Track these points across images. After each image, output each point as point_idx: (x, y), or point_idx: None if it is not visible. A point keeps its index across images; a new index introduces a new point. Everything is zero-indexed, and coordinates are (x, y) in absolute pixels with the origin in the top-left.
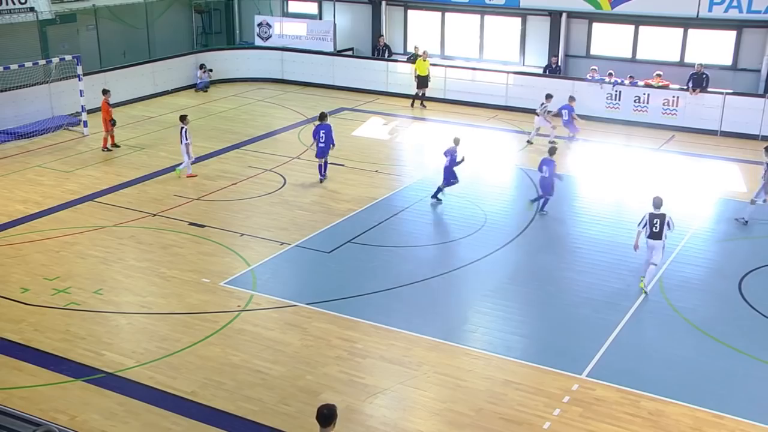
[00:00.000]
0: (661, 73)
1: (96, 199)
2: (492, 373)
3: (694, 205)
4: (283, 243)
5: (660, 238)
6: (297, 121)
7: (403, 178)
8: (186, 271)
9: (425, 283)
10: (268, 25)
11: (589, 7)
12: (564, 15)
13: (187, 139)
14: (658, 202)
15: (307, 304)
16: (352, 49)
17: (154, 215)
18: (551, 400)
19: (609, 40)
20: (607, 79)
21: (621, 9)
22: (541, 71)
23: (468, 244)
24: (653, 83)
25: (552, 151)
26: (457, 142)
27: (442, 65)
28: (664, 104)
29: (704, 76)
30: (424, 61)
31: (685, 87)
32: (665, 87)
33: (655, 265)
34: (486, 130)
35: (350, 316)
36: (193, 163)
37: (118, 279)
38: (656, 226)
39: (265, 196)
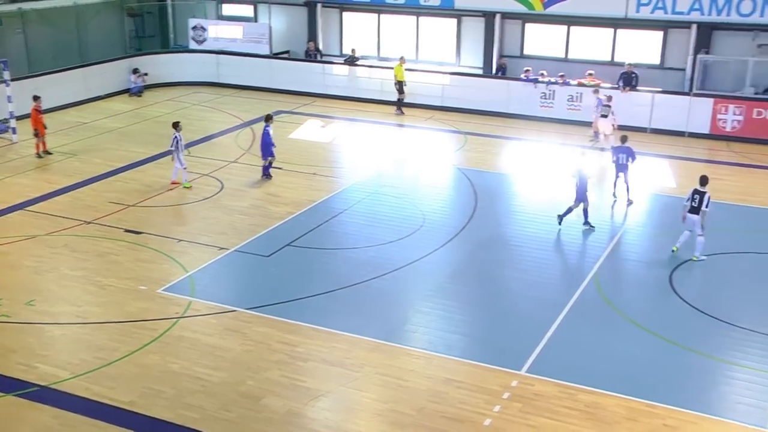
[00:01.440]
0: (593, 72)
1: (27, 208)
2: (433, 372)
3: (627, 200)
4: (221, 248)
5: (698, 213)
6: (234, 124)
7: (341, 180)
8: (123, 279)
9: (365, 285)
10: (203, 29)
11: (522, 8)
12: (498, 16)
13: (172, 146)
14: (704, 180)
15: (247, 308)
16: (288, 51)
17: (89, 223)
18: (492, 397)
19: (542, 40)
20: (540, 79)
21: (553, 9)
22: (476, 72)
23: (407, 245)
24: (586, 82)
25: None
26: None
27: (379, 67)
28: (594, 104)
29: (633, 75)
30: (401, 66)
31: (616, 85)
32: (597, 86)
33: (701, 235)
34: (423, 130)
35: (291, 319)
36: (184, 170)
37: (52, 289)
38: (695, 201)
39: (202, 200)
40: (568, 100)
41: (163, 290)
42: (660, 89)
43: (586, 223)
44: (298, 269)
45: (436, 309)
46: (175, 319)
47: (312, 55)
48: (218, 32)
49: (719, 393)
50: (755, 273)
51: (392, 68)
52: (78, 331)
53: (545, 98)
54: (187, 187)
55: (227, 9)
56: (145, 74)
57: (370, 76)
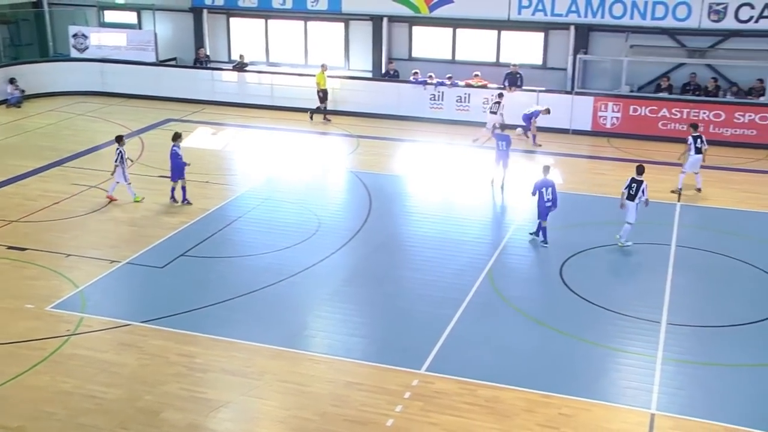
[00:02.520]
0: (479, 73)
1: None
2: (334, 376)
3: (516, 197)
4: (113, 261)
5: (634, 200)
6: (122, 134)
7: (234, 188)
8: (7, 298)
9: (263, 292)
10: (84, 36)
11: (408, 12)
12: (385, 19)
13: (116, 161)
14: (640, 169)
15: (142, 322)
16: (175, 58)
17: None
18: (393, 397)
19: (429, 42)
20: (429, 81)
21: (439, 12)
22: (366, 75)
23: (304, 250)
24: (473, 83)
25: (547, 170)
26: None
27: (268, 72)
28: (484, 103)
29: (518, 75)
30: (323, 73)
31: (502, 86)
32: (484, 86)
33: (630, 224)
34: (315, 135)
35: (188, 330)
36: (129, 185)
37: None
38: (632, 189)
39: (91, 213)
40: (456, 101)
41: (51, 308)
42: (544, 88)
43: (544, 241)
44: (194, 279)
45: (334, 313)
46: (66, 337)
47: (202, 62)
48: (101, 40)
49: (609, 379)
50: (639, 263)
51: (313, 76)
52: None
53: (434, 100)
54: (138, 201)
55: (109, 16)
56: (23, 91)
57: (259, 81)
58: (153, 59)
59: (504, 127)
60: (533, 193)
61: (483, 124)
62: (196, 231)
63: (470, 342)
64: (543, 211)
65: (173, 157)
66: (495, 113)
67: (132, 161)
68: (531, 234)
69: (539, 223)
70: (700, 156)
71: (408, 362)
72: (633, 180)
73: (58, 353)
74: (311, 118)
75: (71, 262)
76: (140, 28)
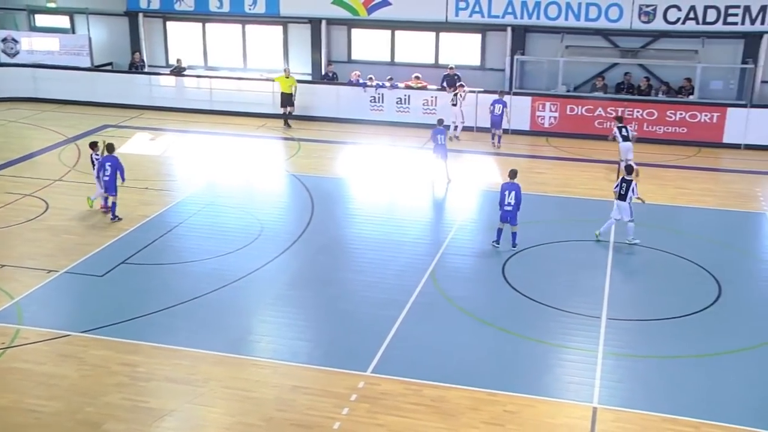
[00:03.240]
0: (420, 75)
1: None
2: (280, 380)
3: (458, 197)
4: (50, 270)
5: (625, 200)
6: (57, 141)
7: (174, 194)
8: None
9: (206, 298)
10: (14, 41)
11: (346, 14)
12: (324, 22)
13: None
14: (629, 170)
15: (82, 332)
16: (111, 63)
17: None
18: (339, 400)
19: (368, 44)
20: (369, 83)
21: (377, 15)
22: (306, 78)
23: (246, 255)
24: (413, 85)
25: (513, 174)
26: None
27: (207, 76)
28: (424, 104)
29: (456, 76)
30: (287, 78)
31: (441, 87)
32: (424, 88)
33: (617, 220)
34: (255, 138)
35: (130, 339)
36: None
37: None
38: (623, 189)
39: (26, 222)
40: (396, 103)
41: None
42: (482, 89)
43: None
44: (136, 287)
45: (278, 317)
46: (2, 351)
47: (138, 66)
48: (32, 44)
49: (552, 375)
50: (577, 260)
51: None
52: None
53: (375, 102)
54: (90, 205)
55: (41, 20)
56: None
57: (198, 86)
58: (88, 64)
59: (441, 121)
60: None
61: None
62: (137, 238)
63: (415, 342)
64: (503, 215)
65: (116, 168)
66: (455, 105)
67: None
68: (493, 243)
69: (498, 230)
70: (629, 143)
71: (353, 364)
72: (623, 180)
73: None
74: (288, 125)
75: (6, 272)
76: (73, 32)
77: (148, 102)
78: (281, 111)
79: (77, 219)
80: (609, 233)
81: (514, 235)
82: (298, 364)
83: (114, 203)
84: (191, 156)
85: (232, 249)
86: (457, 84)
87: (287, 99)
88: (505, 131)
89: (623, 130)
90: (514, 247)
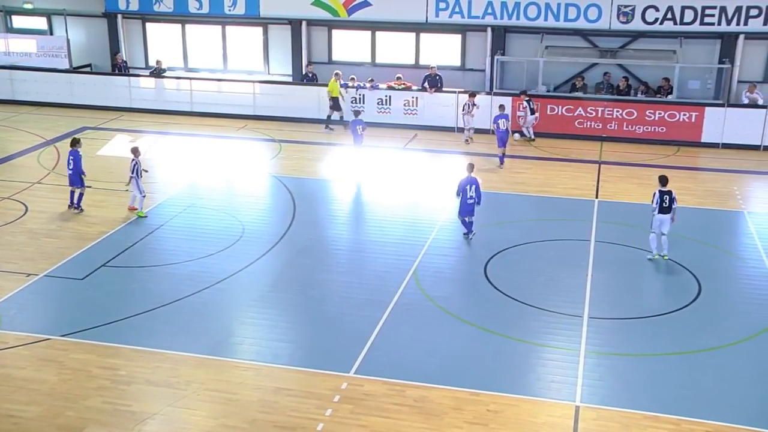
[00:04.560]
0: (401, 75)
1: None
2: (262, 382)
3: (440, 198)
4: (29, 274)
5: (669, 213)
6: (35, 143)
7: (155, 196)
8: None
9: (187, 300)
10: None
11: (327, 15)
12: (304, 23)
13: (132, 173)
14: (664, 180)
15: (62, 335)
16: (90, 65)
17: None
18: (322, 401)
19: (349, 45)
20: (350, 84)
21: (357, 16)
22: (287, 79)
23: (228, 257)
24: (395, 86)
25: (471, 168)
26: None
27: (187, 78)
28: (405, 105)
29: (437, 77)
30: (336, 82)
31: (422, 88)
32: (408, 88)
33: (664, 234)
34: (236, 140)
35: (111, 342)
36: (143, 198)
37: None
38: (665, 201)
39: (4, 226)
40: (377, 104)
41: None
42: (463, 89)
43: (471, 233)
44: (116, 290)
45: (260, 319)
46: None
47: (120, 68)
48: (9, 46)
49: (535, 374)
50: (558, 259)
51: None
52: None
53: (355, 103)
54: (142, 216)
55: (18, 21)
56: None
57: (178, 87)
58: (66, 66)
59: (357, 113)
60: (458, 194)
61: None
62: (117, 241)
63: (398, 343)
64: (466, 209)
65: (77, 162)
66: (466, 113)
67: (147, 171)
68: (465, 234)
69: (463, 221)
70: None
71: (336, 366)
72: (662, 192)
73: None
74: (327, 127)
75: None
76: (51, 33)
77: (127, 104)
78: (327, 114)
79: (57, 222)
80: (662, 247)
81: (471, 223)
82: (281, 365)
83: (81, 194)
84: (172, 158)
85: (214, 251)
86: (469, 94)
87: (335, 103)
88: (486, 131)
89: (530, 103)
90: (471, 234)
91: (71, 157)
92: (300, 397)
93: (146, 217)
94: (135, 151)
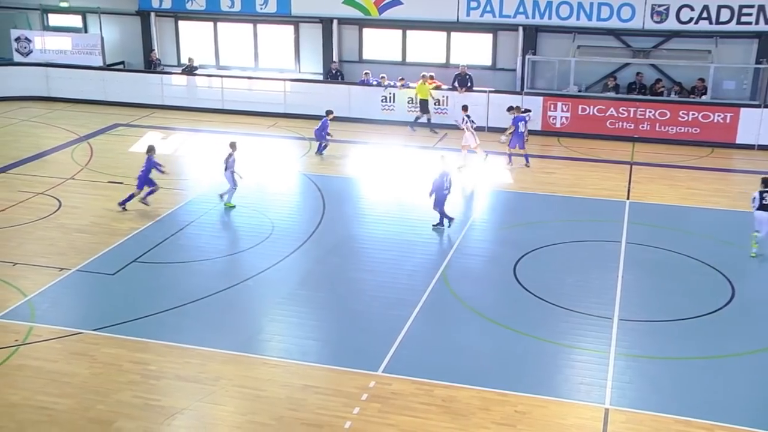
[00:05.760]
0: (433, 74)
1: None
2: (290, 379)
3: (470, 197)
4: (62, 269)
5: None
6: (68, 140)
7: (185, 192)
8: None
9: (217, 297)
10: (28, 40)
11: (358, 14)
12: (335, 22)
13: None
14: (766, 180)
15: (94, 330)
16: (123, 62)
17: None
18: (350, 400)
19: (379, 44)
20: (381, 82)
21: (388, 14)
22: (317, 78)
23: (257, 254)
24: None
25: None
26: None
27: (218, 75)
28: (435, 105)
29: (467, 76)
30: (424, 84)
31: (452, 87)
32: (438, 88)
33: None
34: (267, 138)
35: (141, 337)
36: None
37: None
38: (765, 199)
39: (38, 221)
40: (408, 103)
41: None
42: (493, 89)
43: (449, 223)
44: (147, 285)
45: (289, 316)
46: (14, 348)
47: (155, 65)
48: (45, 44)
49: (563, 376)
50: (589, 260)
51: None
52: None
53: (386, 101)
54: (231, 207)
55: (54, 19)
56: None
57: (209, 85)
58: (100, 63)
59: (329, 112)
60: (431, 192)
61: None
62: (148, 237)
63: (426, 342)
64: (442, 200)
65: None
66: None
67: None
68: (434, 226)
69: (442, 212)
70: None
71: (364, 364)
72: (762, 192)
73: (5, 364)
74: (412, 128)
75: (18, 270)
76: (86, 31)
77: (159, 101)
78: (415, 116)
79: (89, 217)
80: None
81: (444, 214)
82: (309, 363)
83: (132, 196)
84: (202, 155)
85: (243, 248)
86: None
87: (424, 105)
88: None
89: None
90: (449, 225)
91: (145, 163)
92: (328, 395)
93: (234, 207)
94: (232, 146)
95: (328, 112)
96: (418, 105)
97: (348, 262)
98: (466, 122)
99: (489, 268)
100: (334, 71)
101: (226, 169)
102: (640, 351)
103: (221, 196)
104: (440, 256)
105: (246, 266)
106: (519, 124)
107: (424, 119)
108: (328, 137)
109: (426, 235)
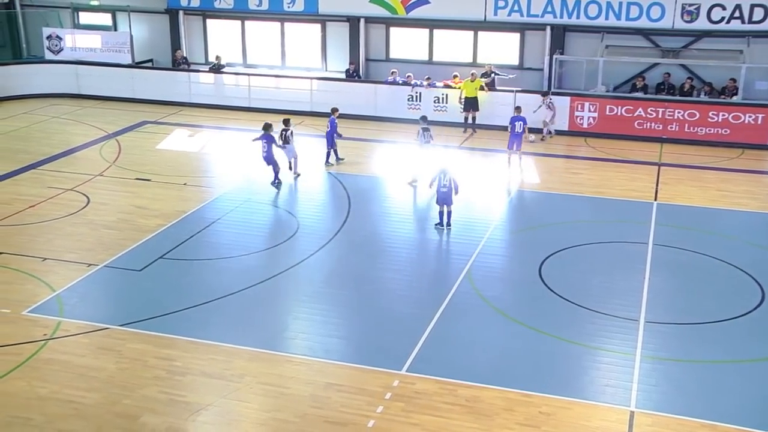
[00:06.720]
0: (458, 74)
1: None
2: (314, 377)
3: (494, 197)
4: (90, 264)
5: None
6: (97, 137)
7: (212, 190)
8: None
9: (242, 294)
10: (59, 38)
11: (385, 13)
12: (362, 20)
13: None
14: None
15: (120, 325)
16: (151, 60)
17: None
18: (374, 398)
19: (406, 43)
20: (408, 81)
21: (415, 13)
22: (343, 76)
23: (282, 251)
24: (452, 84)
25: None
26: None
27: (245, 74)
28: (460, 103)
29: (494, 74)
30: (472, 81)
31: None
32: (483, 88)
33: None
34: (294, 136)
35: (167, 333)
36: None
37: None
38: None
39: (67, 216)
40: (434, 102)
41: (28, 312)
42: (520, 89)
43: (448, 224)
44: (173, 282)
45: (314, 314)
46: (43, 342)
47: (180, 63)
48: (76, 41)
49: (589, 377)
50: (614, 261)
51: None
52: None
53: (412, 101)
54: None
55: (84, 17)
56: None
57: (237, 83)
58: (129, 61)
59: (335, 110)
60: (430, 185)
61: (461, 125)
62: (174, 233)
63: (450, 342)
64: (441, 197)
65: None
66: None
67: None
68: (436, 225)
69: (440, 212)
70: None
71: (388, 363)
72: None
73: (34, 358)
74: (474, 131)
75: (47, 265)
76: (115, 29)
77: (186, 99)
78: (463, 116)
79: (116, 214)
80: None
81: (449, 214)
82: (333, 361)
83: (277, 171)
84: (229, 153)
85: (269, 245)
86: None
87: (471, 103)
88: (541, 131)
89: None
90: (449, 227)
91: (264, 141)
92: (351, 393)
93: (299, 174)
94: (286, 122)
95: (334, 110)
96: (463, 103)
97: (373, 261)
98: (548, 103)
99: (514, 268)
100: (351, 71)
101: (286, 143)
102: (666, 354)
103: (296, 176)
104: (465, 255)
105: (271, 264)
106: (516, 124)
107: (470, 119)
108: (338, 137)
109: (451, 234)
